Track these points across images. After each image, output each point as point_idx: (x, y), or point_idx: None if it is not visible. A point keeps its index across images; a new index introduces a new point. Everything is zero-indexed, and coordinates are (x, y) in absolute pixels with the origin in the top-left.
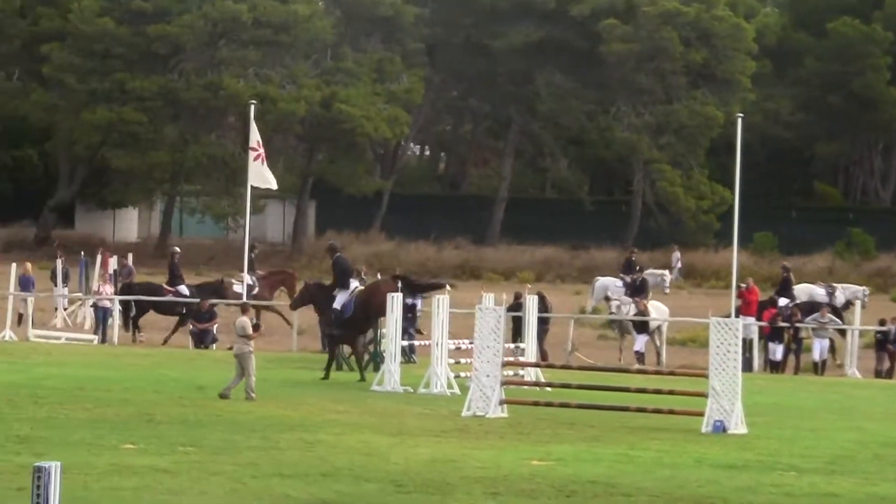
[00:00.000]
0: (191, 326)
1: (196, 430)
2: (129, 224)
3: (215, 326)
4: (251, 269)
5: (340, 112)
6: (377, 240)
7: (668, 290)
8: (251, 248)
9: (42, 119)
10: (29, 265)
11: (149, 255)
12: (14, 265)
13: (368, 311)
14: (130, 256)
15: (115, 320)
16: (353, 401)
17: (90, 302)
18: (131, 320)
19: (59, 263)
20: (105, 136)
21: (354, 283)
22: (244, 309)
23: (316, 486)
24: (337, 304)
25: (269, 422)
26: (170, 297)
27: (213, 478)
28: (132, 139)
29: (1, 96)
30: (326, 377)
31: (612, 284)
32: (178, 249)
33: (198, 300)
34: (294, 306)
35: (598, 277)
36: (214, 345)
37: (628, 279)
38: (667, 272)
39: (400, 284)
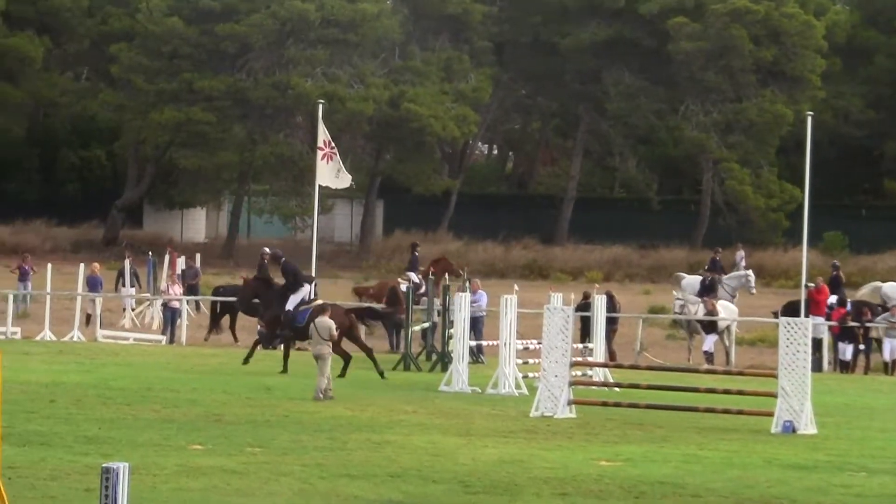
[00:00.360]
0: (258, 327)
1: (264, 431)
2: (196, 224)
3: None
4: (414, 269)
5: (408, 111)
6: (445, 239)
7: (753, 291)
8: (414, 247)
9: (110, 119)
10: (97, 265)
11: (216, 255)
12: (82, 265)
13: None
14: (198, 257)
15: (184, 320)
16: (421, 401)
17: (158, 302)
18: (214, 321)
19: (126, 264)
20: (173, 135)
21: (307, 287)
22: (324, 310)
23: (384, 487)
24: (290, 306)
25: (337, 422)
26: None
27: (281, 478)
28: (200, 139)
29: (69, 96)
30: (285, 370)
31: (697, 283)
32: (267, 250)
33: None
34: (242, 305)
35: (682, 274)
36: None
37: (710, 278)
38: (750, 272)
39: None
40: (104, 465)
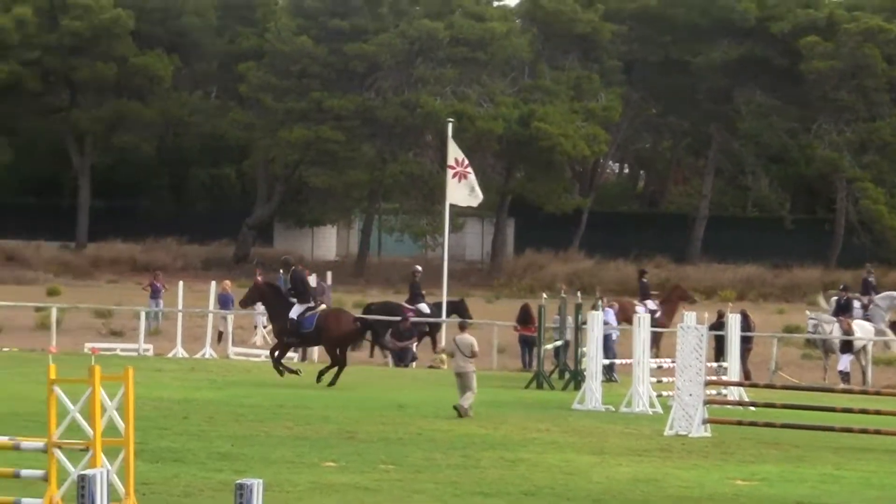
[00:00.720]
0: (389, 344)
1: (397, 448)
2: (327, 242)
3: (415, 345)
4: (647, 295)
5: (538, 130)
6: (576, 258)
7: None
8: (642, 274)
9: (240, 137)
10: (228, 283)
11: (348, 273)
12: (213, 283)
13: (323, 333)
14: (329, 275)
15: None
16: (555, 419)
17: None
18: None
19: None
20: (302, 154)
21: (311, 301)
22: (463, 327)
23: None
24: (293, 315)
25: (470, 440)
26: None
27: (415, 496)
28: (329, 157)
29: (199, 115)
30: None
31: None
32: (419, 268)
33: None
34: (244, 304)
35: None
36: (414, 363)
37: (865, 300)
38: None
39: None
40: (238, 481)
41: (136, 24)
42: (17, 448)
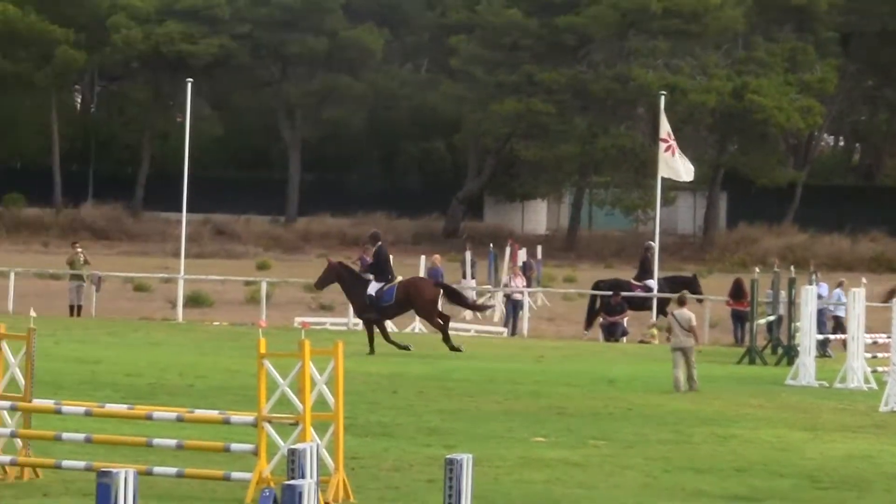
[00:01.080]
0: (601, 319)
1: (607, 424)
2: (537, 216)
3: (625, 320)
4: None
5: (752, 103)
6: (790, 232)
7: None
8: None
9: (450, 111)
10: (437, 257)
11: (558, 247)
12: (423, 257)
13: (405, 302)
14: (539, 249)
15: (526, 312)
16: (767, 395)
17: (500, 294)
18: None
19: (467, 255)
20: (513, 127)
21: (389, 277)
22: (682, 301)
23: (729, 482)
24: (371, 291)
25: (682, 416)
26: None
27: (625, 472)
28: (541, 131)
29: (409, 88)
30: (371, 352)
31: None
32: (652, 244)
33: (664, 293)
34: (319, 285)
35: None
36: (624, 338)
37: None
38: None
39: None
40: (447, 456)
41: None
42: (227, 422)
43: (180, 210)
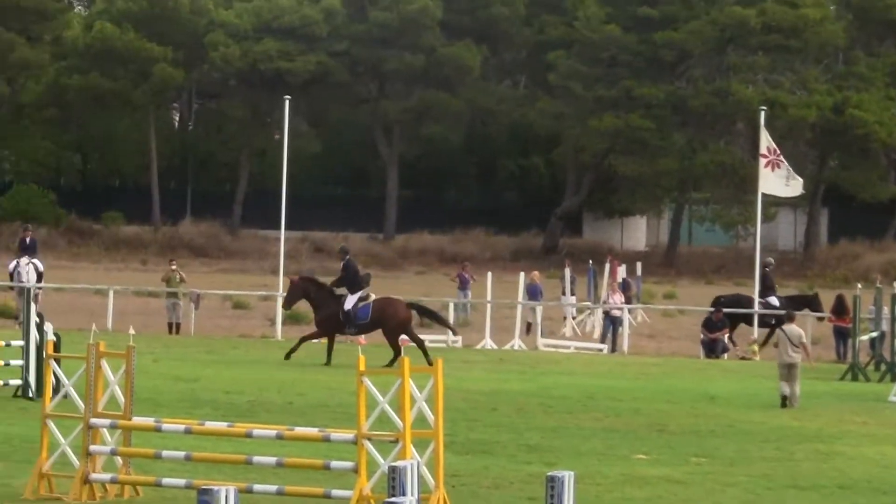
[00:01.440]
0: (701, 336)
1: (708, 441)
2: (636, 232)
3: (726, 336)
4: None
5: (853, 118)
6: (892, 248)
7: None
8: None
9: (548, 127)
10: (536, 274)
11: (657, 263)
12: (522, 274)
13: (382, 322)
14: (639, 265)
15: (626, 329)
16: (870, 412)
17: (599, 311)
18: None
19: (566, 272)
20: (612, 143)
21: (363, 289)
22: (791, 317)
23: (832, 499)
24: (348, 306)
25: (784, 432)
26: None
27: (727, 489)
28: (639, 146)
29: (507, 104)
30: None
31: None
32: (772, 261)
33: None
34: (286, 305)
35: None
36: (725, 354)
37: None
38: None
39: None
40: (549, 473)
41: (444, 14)
42: (326, 439)
43: (278, 227)
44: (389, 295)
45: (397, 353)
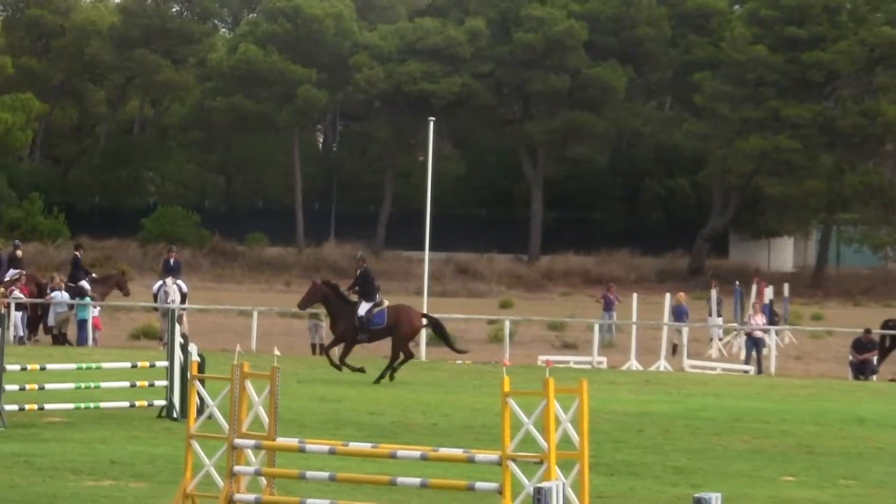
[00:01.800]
0: (850, 357)
1: (856, 463)
2: (783, 253)
3: (875, 357)
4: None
5: None
6: None
7: None
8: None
9: (694, 148)
10: (682, 295)
11: (804, 284)
12: (667, 295)
13: (396, 329)
14: (786, 287)
15: (772, 351)
16: None
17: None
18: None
19: (713, 293)
20: (759, 164)
21: (376, 297)
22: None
23: None
24: (361, 312)
25: None
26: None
27: None
28: (786, 167)
29: (653, 125)
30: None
31: None
32: None
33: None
34: (302, 306)
35: None
36: (874, 376)
37: None
38: None
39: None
40: (696, 495)
41: (590, 35)
42: (471, 460)
43: (422, 248)
44: (403, 304)
45: (407, 356)
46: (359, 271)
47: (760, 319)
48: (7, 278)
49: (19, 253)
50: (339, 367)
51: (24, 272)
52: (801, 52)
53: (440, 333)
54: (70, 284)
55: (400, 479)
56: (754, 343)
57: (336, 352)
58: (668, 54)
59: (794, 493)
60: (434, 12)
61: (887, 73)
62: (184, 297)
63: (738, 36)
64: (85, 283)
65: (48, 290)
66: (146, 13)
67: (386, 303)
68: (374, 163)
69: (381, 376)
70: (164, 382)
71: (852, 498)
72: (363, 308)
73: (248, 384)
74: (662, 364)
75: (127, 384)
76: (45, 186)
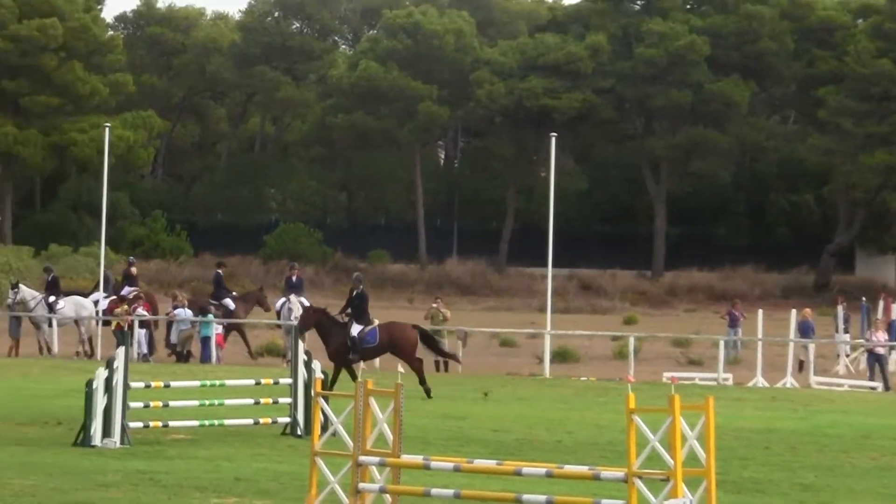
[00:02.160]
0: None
1: None
2: None
3: None
4: None
5: None
6: None
7: None
8: None
9: (819, 163)
10: (808, 311)
11: None
12: (793, 311)
13: (388, 344)
14: None
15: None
16: None
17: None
18: None
19: (839, 309)
20: (884, 179)
21: (368, 318)
22: None
23: None
24: (354, 332)
25: None
26: None
27: None
28: None
29: (777, 140)
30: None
31: None
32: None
33: None
34: (300, 331)
35: None
36: None
37: None
38: None
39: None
40: None
41: (711, 50)
42: (597, 478)
43: (545, 265)
44: (393, 321)
45: (419, 373)
46: (354, 292)
47: (882, 336)
48: (123, 294)
49: (134, 270)
50: (354, 378)
51: (139, 290)
52: None
53: (431, 345)
54: (213, 302)
55: (525, 497)
56: (876, 359)
57: (358, 368)
58: (791, 68)
59: None
60: (554, 27)
61: None
62: None
63: (862, 50)
64: (229, 301)
65: (171, 308)
66: (266, 30)
67: (376, 321)
68: (495, 179)
69: (428, 395)
70: (289, 400)
71: None
72: (355, 329)
73: (373, 401)
74: (789, 381)
75: (251, 401)
76: (168, 204)
